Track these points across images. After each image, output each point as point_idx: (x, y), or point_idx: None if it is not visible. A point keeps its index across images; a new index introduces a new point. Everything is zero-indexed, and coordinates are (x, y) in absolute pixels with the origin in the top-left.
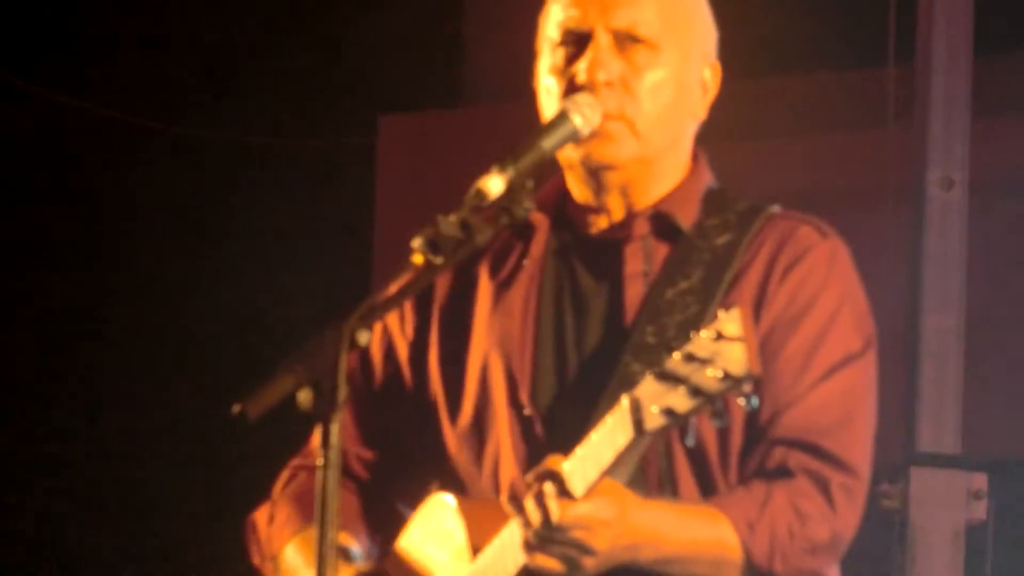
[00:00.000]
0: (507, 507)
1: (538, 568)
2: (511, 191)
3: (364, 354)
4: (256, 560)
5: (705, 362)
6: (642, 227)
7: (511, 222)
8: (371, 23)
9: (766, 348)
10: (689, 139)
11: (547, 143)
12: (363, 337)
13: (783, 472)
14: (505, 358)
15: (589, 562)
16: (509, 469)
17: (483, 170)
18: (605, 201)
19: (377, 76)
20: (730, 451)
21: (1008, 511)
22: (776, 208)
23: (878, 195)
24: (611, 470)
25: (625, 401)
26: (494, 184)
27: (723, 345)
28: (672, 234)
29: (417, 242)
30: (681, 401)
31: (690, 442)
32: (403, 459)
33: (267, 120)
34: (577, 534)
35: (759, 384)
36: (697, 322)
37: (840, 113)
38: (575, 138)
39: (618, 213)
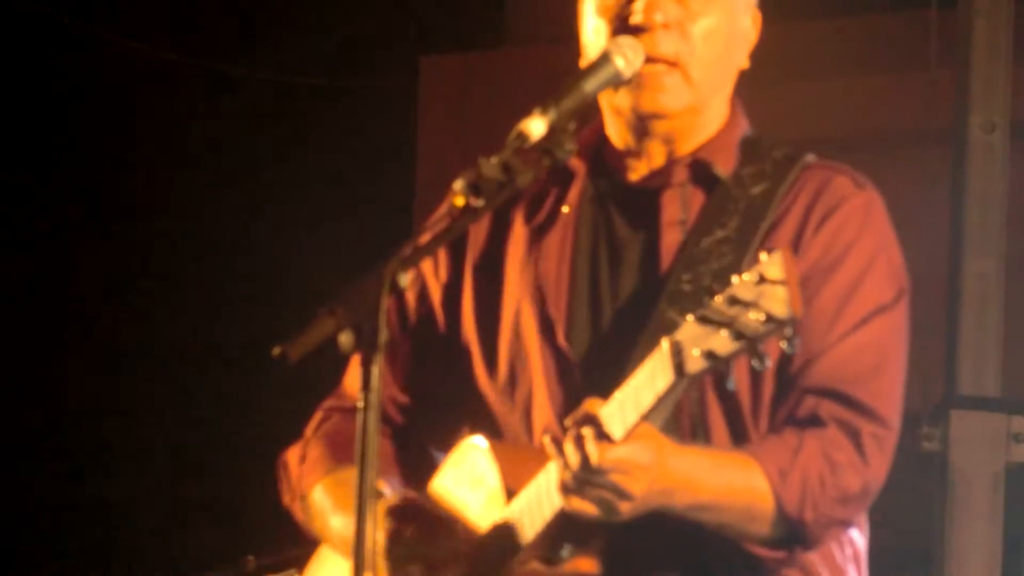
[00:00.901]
0: (548, 447)
1: (575, 511)
2: (553, 133)
3: (398, 297)
4: (286, 499)
5: (748, 304)
6: (680, 175)
7: (553, 164)
8: None
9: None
10: (731, 87)
11: (589, 85)
12: (404, 279)
13: (814, 421)
14: (541, 303)
15: (625, 506)
16: (543, 412)
17: (525, 112)
18: (648, 147)
19: (419, 17)
20: (762, 399)
21: None
22: (811, 157)
23: (921, 138)
24: (648, 415)
25: (665, 344)
26: (536, 126)
27: (766, 287)
28: (709, 182)
29: (459, 184)
30: (723, 344)
31: (731, 386)
32: (436, 403)
33: (309, 60)
34: (615, 477)
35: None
36: (732, 271)
37: (883, 56)
38: (617, 80)
39: (659, 159)
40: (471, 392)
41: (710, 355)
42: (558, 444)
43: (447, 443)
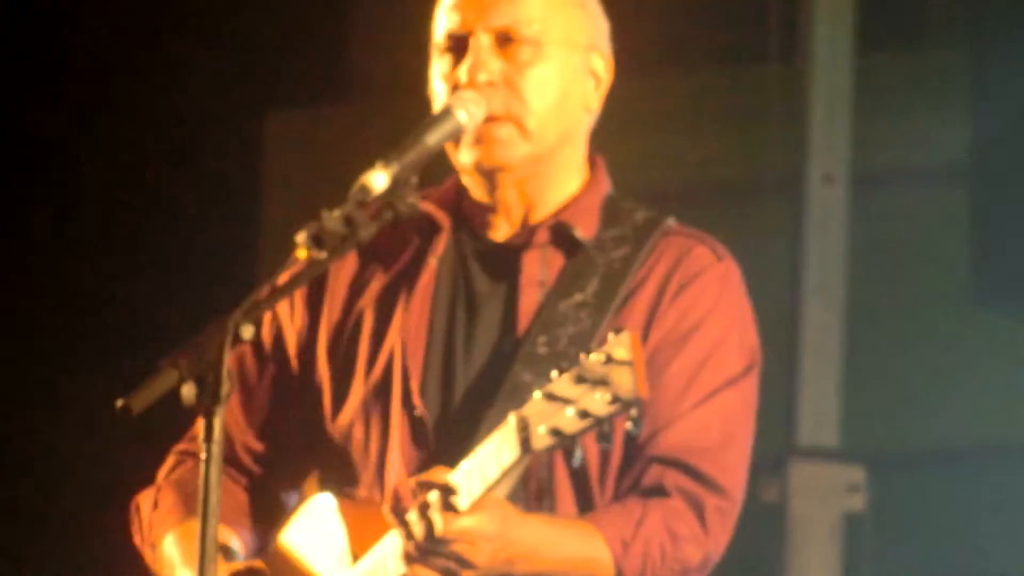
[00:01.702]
0: (388, 518)
1: None
2: (395, 186)
3: (255, 344)
4: (137, 541)
5: (595, 384)
6: (542, 236)
7: (395, 217)
8: (258, 20)
9: (652, 366)
10: (583, 135)
11: (431, 139)
12: (247, 331)
13: (659, 491)
14: (402, 357)
15: (468, 575)
16: (395, 470)
17: (370, 165)
18: (504, 201)
19: (264, 71)
20: (610, 466)
21: (886, 504)
22: (672, 221)
23: (761, 190)
24: (496, 484)
25: (512, 419)
26: (378, 179)
27: (612, 368)
28: (570, 244)
29: (301, 237)
30: (569, 422)
31: (576, 463)
32: (289, 451)
33: (152, 116)
34: (459, 547)
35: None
36: (589, 336)
37: (724, 109)
38: (459, 133)
39: (517, 214)
40: (323, 441)
41: (556, 432)
42: (399, 515)
43: (299, 486)
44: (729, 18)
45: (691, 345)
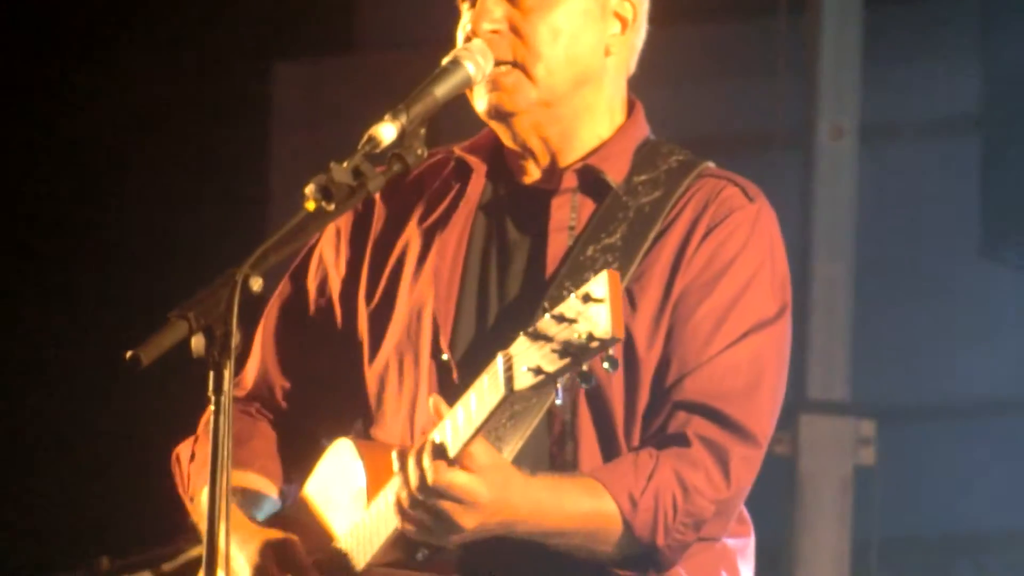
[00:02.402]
0: (394, 463)
1: (406, 530)
2: (403, 138)
3: (298, 286)
4: (181, 493)
5: (572, 322)
6: (570, 180)
7: (404, 169)
8: None
9: (680, 309)
10: (611, 79)
11: (439, 90)
12: (255, 284)
13: (680, 439)
14: (433, 301)
15: (455, 537)
16: (425, 414)
17: (377, 117)
18: (530, 147)
19: (271, 23)
20: (636, 410)
21: (895, 457)
22: (709, 164)
23: (770, 143)
24: (504, 425)
25: (499, 359)
26: (386, 131)
27: (589, 307)
28: (600, 189)
29: (310, 189)
30: (549, 360)
31: (558, 401)
32: (330, 395)
33: (161, 68)
34: (446, 505)
35: (670, 343)
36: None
37: (732, 62)
38: (468, 84)
39: (544, 158)
40: (364, 387)
41: (538, 371)
42: (403, 458)
43: (342, 433)
44: None
45: (720, 287)
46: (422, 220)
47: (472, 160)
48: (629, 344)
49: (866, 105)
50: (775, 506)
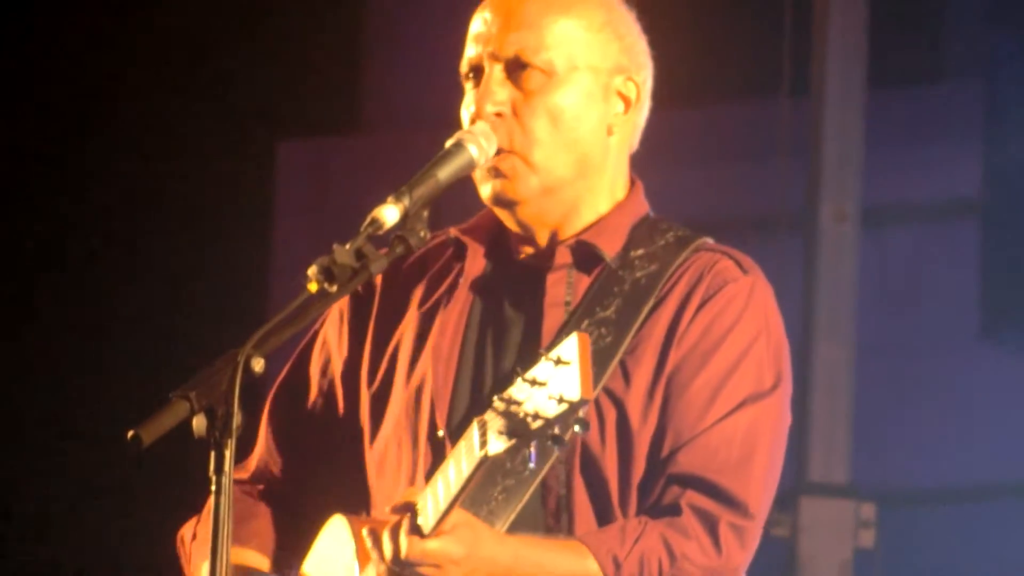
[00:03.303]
0: (365, 540)
1: None
2: (406, 220)
3: (302, 368)
4: (185, 572)
5: (542, 386)
6: (564, 256)
7: (406, 251)
8: (270, 49)
9: (675, 382)
10: (614, 159)
11: (442, 173)
12: (257, 364)
13: (672, 509)
14: (432, 380)
15: None
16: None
17: (381, 198)
18: (530, 231)
19: (275, 103)
20: (630, 482)
21: (896, 541)
22: (707, 240)
23: (772, 225)
24: (496, 499)
25: (475, 425)
26: (389, 213)
27: (559, 369)
28: (595, 263)
29: (312, 270)
30: (519, 424)
31: (531, 463)
32: (331, 476)
33: (164, 145)
34: (426, 571)
35: (665, 416)
36: (611, 353)
37: (734, 144)
38: (471, 168)
39: (544, 239)
40: (365, 467)
41: (510, 435)
42: (374, 536)
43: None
44: (741, 52)
45: (714, 360)
46: (423, 302)
47: (469, 241)
48: (623, 416)
49: (868, 188)
50: None
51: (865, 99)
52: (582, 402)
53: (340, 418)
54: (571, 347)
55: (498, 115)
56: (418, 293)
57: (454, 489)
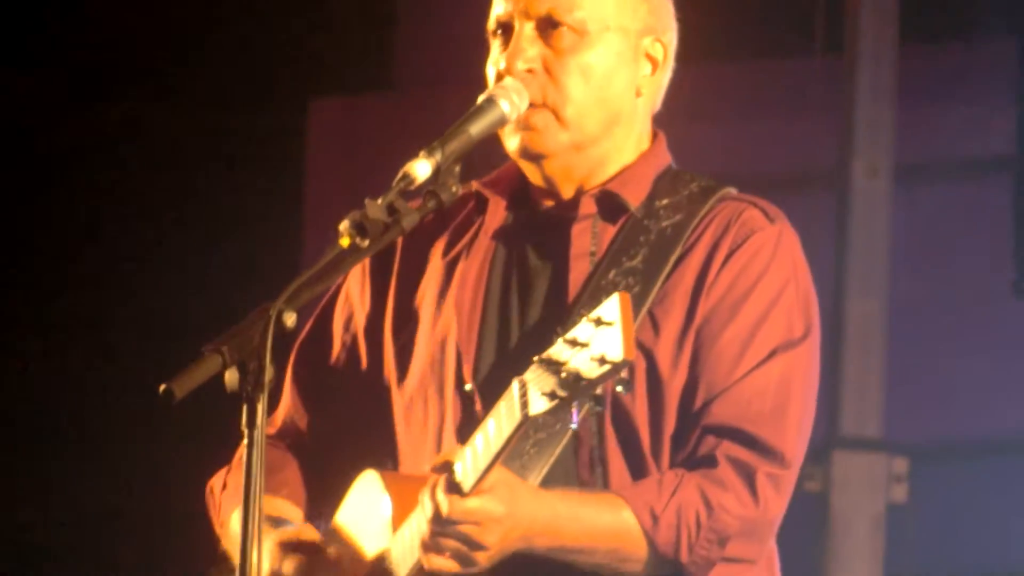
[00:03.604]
0: (420, 499)
1: (433, 570)
2: (438, 175)
3: (325, 323)
4: (214, 526)
5: (584, 347)
6: (589, 207)
7: (438, 206)
8: (303, 7)
9: (705, 332)
10: (640, 118)
11: (474, 128)
12: (289, 319)
13: (709, 461)
14: (456, 331)
15: (480, 556)
16: (450, 446)
17: (412, 154)
18: (555, 185)
19: (309, 59)
20: (662, 433)
21: (928, 495)
22: (731, 190)
23: (805, 181)
24: (528, 453)
25: (515, 385)
26: (421, 168)
27: (601, 330)
28: (620, 213)
29: (344, 225)
30: (562, 385)
31: (573, 425)
32: (356, 431)
33: (198, 103)
34: (467, 529)
35: (696, 367)
36: (639, 302)
37: (768, 101)
38: (502, 123)
39: (568, 192)
40: (391, 421)
41: (552, 396)
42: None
43: (370, 465)
44: (774, 10)
45: (744, 310)
46: (445, 254)
47: (491, 194)
48: (652, 367)
49: (900, 144)
50: (808, 543)
51: (897, 55)
52: (624, 363)
53: (364, 372)
54: (613, 307)
55: (529, 71)
56: (439, 246)
57: (494, 448)
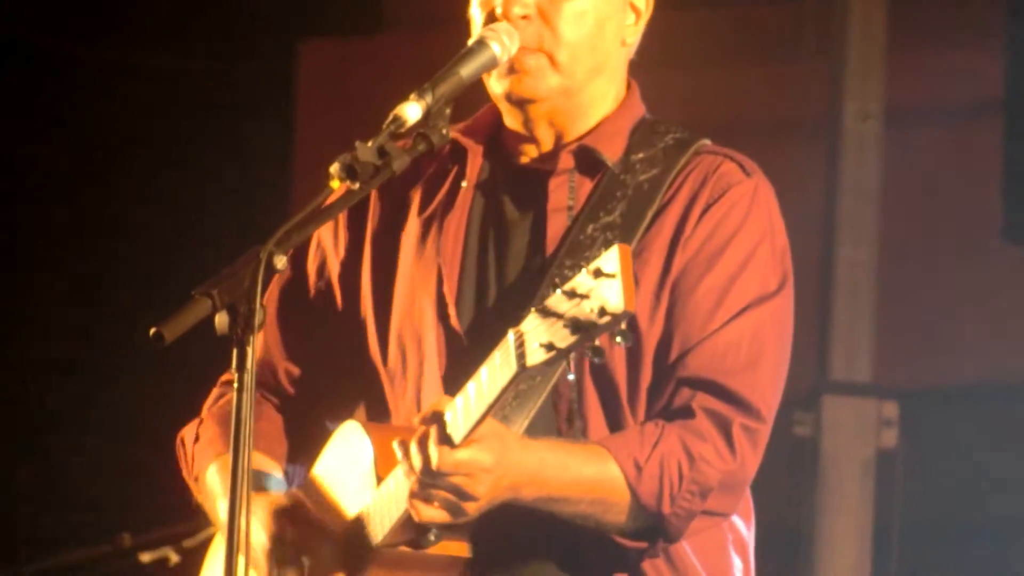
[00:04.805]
0: (396, 451)
1: (422, 520)
2: (429, 118)
3: (297, 270)
4: (185, 477)
5: (583, 298)
6: (567, 161)
7: (428, 148)
8: None
9: (681, 286)
10: (619, 67)
11: (465, 71)
12: (279, 261)
13: (686, 412)
14: (437, 282)
15: (470, 506)
16: (433, 392)
17: (403, 97)
18: (535, 131)
19: (298, 2)
20: (639, 385)
21: (918, 439)
22: (705, 142)
23: (795, 126)
24: (510, 404)
25: (510, 335)
26: (412, 110)
27: (601, 281)
28: (597, 168)
29: (335, 167)
30: (561, 336)
31: (570, 377)
32: (331, 377)
33: (186, 44)
34: (457, 480)
35: (672, 320)
36: None
37: (758, 46)
38: (493, 65)
39: (547, 142)
40: (367, 368)
41: (550, 347)
42: (404, 447)
43: (346, 416)
44: None
45: (720, 263)
46: (421, 202)
47: (468, 142)
48: (630, 320)
49: (891, 89)
50: (798, 487)
51: None
52: (625, 314)
53: (339, 318)
54: (612, 258)
55: (524, 17)
56: (416, 193)
57: (488, 399)
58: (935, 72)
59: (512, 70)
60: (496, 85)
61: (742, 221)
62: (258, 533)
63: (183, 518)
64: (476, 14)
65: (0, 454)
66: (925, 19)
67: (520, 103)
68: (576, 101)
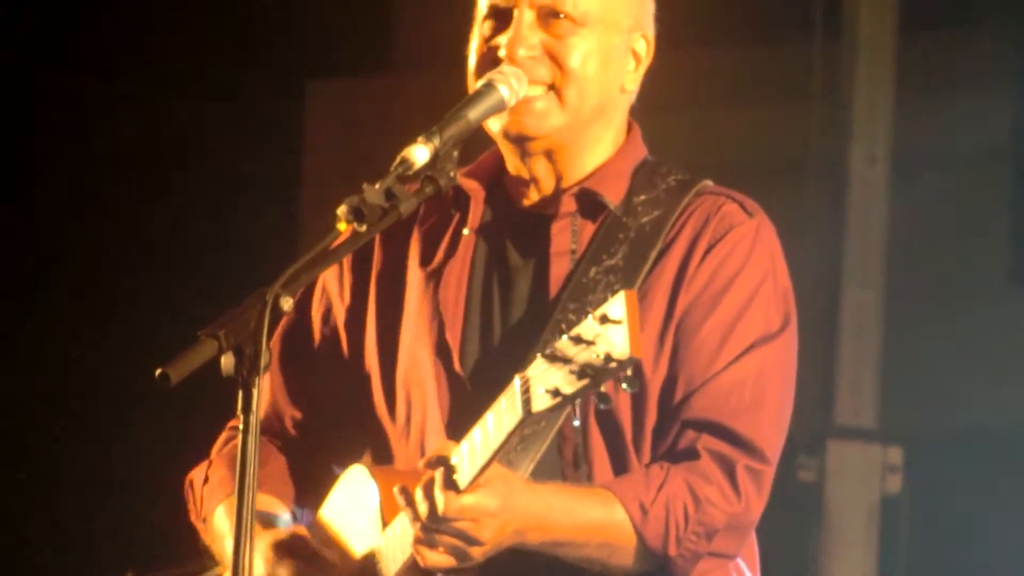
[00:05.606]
0: (397, 499)
1: (429, 566)
2: (436, 160)
3: (302, 316)
4: (193, 519)
5: (590, 344)
6: (569, 205)
7: (436, 191)
8: None
9: (685, 327)
10: (620, 112)
11: (473, 114)
12: (286, 303)
13: (691, 454)
14: (439, 330)
15: (476, 552)
16: (436, 440)
17: (411, 138)
18: (535, 173)
19: (306, 41)
20: (644, 428)
21: (923, 485)
22: (707, 182)
23: (802, 169)
24: (515, 449)
25: (516, 381)
26: (419, 153)
27: (607, 328)
28: (599, 211)
29: (342, 210)
30: (567, 382)
31: (576, 423)
32: (337, 423)
33: (195, 83)
34: (463, 526)
35: (676, 361)
36: None
37: (766, 88)
38: (501, 108)
39: (548, 185)
40: (371, 414)
41: (555, 393)
42: (406, 495)
43: (352, 460)
44: None
45: (723, 305)
46: (425, 249)
47: (470, 186)
48: (636, 364)
49: (899, 133)
50: (802, 532)
51: (897, 43)
52: (631, 360)
53: (345, 365)
54: (619, 305)
55: (531, 58)
56: (420, 241)
57: (494, 444)
58: (943, 115)
59: (514, 109)
60: (495, 123)
61: (744, 261)
62: (258, 565)
63: (190, 557)
64: (475, 51)
65: (4, 493)
66: (933, 64)
67: (519, 140)
68: (575, 141)
